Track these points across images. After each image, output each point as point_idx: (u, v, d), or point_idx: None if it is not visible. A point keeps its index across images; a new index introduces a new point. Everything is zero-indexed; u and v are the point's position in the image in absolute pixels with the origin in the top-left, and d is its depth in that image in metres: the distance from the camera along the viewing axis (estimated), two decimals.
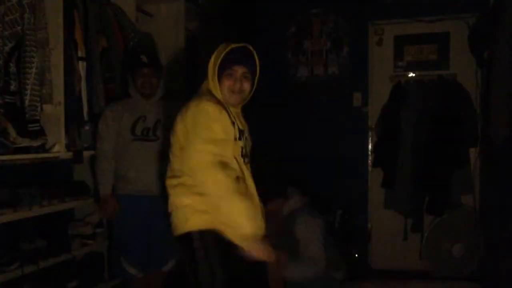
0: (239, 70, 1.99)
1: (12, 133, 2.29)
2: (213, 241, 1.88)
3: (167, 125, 2.36)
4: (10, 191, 2.43)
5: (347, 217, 4.02)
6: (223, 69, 1.97)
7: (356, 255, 3.84)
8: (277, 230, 2.83)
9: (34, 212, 2.51)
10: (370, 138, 4.18)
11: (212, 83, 1.99)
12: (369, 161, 4.18)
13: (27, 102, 2.37)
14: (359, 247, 3.91)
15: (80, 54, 2.72)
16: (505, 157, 3.10)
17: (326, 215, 3.72)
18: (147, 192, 2.70)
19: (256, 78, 2.07)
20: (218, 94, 1.98)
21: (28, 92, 2.36)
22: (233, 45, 1.98)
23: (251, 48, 2.03)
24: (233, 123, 1.94)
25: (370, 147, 4.19)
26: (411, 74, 4.08)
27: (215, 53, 2.00)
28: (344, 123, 4.15)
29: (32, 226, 2.71)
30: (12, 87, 2.31)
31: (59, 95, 2.53)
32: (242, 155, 1.98)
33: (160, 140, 2.71)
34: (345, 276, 2.98)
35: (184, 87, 3.49)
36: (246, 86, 2.02)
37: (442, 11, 3.90)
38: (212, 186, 1.78)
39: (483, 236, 3.67)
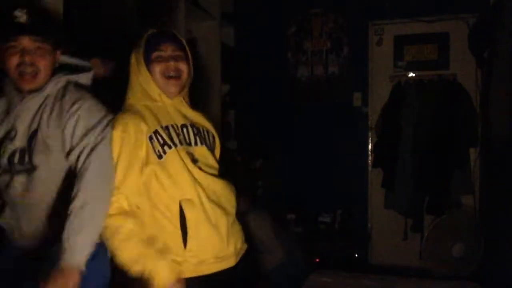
0: (168, 49, 1.64)
1: None
2: None
3: (50, 138, 1.51)
4: None
5: (347, 217, 4.02)
6: (149, 54, 1.63)
7: (356, 255, 3.84)
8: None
9: None
10: (370, 138, 4.18)
11: (141, 78, 1.63)
12: (369, 161, 4.18)
13: None
14: (359, 247, 3.91)
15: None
16: (505, 157, 3.10)
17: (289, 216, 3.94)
18: None
19: (190, 63, 1.71)
20: (152, 90, 1.62)
21: None
22: (152, 30, 1.67)
23: (174, 31, 1.72)
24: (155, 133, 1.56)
25: (370, 147, 4.19)
26: (411, 74, 4.08)
27: (135, 46, 1.66)
28: (344, 123, 4.15)
29: None
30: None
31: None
32: (192, 160, 1.61)
33: (42, 169, 1.51)
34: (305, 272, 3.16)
35: None
36: (182, 66, 1.66)
37: (442, 11, 3.90)
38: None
39: (483, 236, 3.67)
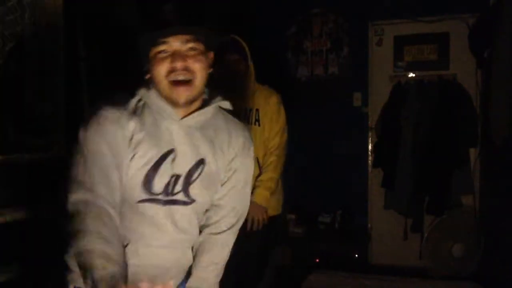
0: (232, 57, 2.35)
1: (12, 132, 2.29)
2: None
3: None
4: (10, 191, 2.43)
5: (347, 217, 4.02)
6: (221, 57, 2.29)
7: (356, 255, 3.84)
8: None
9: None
10: (370, 138, 4.18)
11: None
12: (369, 161, 4.18)
13: (27, 102, 2.37)
14: (359, 247, 3.91)
15: (81, 54, 2.72)
16: (505, 157, 3.10)
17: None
18: None
19: (249, 62, 2.42)
20: None
21: (29, 91, 2.37)
22: (222, 39, 2.34)
23: (237, 38, 2.40)
24: None
25: (370, 147, 4.19)
26: (411, 74, 4.08)
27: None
28: (344, 123, 4.15)
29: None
30: (13, 87, 2.32)
31: (59, 95, 2.53)
32: None
33: (197, 204, 1.35)
34: None
35: None
36: (239, 67, 2.38)
37: (442, 11, 3.90)
38: None
39: (483, 236, 3.67)
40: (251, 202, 2.34)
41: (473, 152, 3.82)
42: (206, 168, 1.32)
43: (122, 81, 2.95)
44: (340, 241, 3.87)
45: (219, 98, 1.38)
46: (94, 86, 2.79)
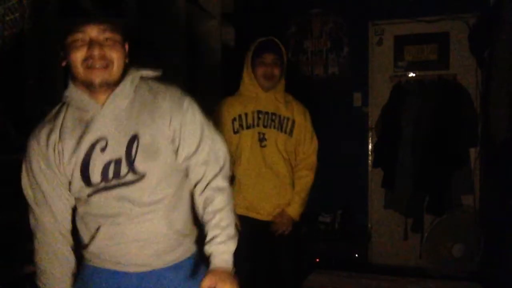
0: (268, 57, 2.35)
1: (12, 132, 2.29)
2: None
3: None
4: (10, 191, 2.43)
5: (347, 217, 4.02)
6: (255, 58, 2.36)
7: (356, 255, 3.84)
8: None
9: None
10: (370, 138, 4.19)
11: (247, 76, 2.39)
12: (369, 161, 4.18)
13: (27, 102, 2.37)
14: (359, 247, 3.91)
15: None
16: (505, 157, 3.10)
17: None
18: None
19: (285, 65, 2.42)
20: (254, 85, 2.38)
21: (28, 91, 2.37)
22: (261, 39, 2.39)
23: (276, 41, 2.39)
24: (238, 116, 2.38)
25: (370, 147, 4.19)
26: (411, 74, 4.08)
27: (248, 50, 2.40)
28: (344, 123, 4.15)
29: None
30: (12, 87, 2.32)
31: (59, 94, 2.53)
32: (259, 139, 2.38)
33: (151, 176, 1.35)
34: None
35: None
36: (276, 71, 2.36)
37: (442, 11, 3.90)
38: None
39: (483, 236, 3.67)
40: (283, 212, 2.48)
41: (473, 152, 3.82)
42: (142, 142, 1.32)
43: None
44: (340, 241, 3.87)
45: (133, 71, 1.38)
46: None
